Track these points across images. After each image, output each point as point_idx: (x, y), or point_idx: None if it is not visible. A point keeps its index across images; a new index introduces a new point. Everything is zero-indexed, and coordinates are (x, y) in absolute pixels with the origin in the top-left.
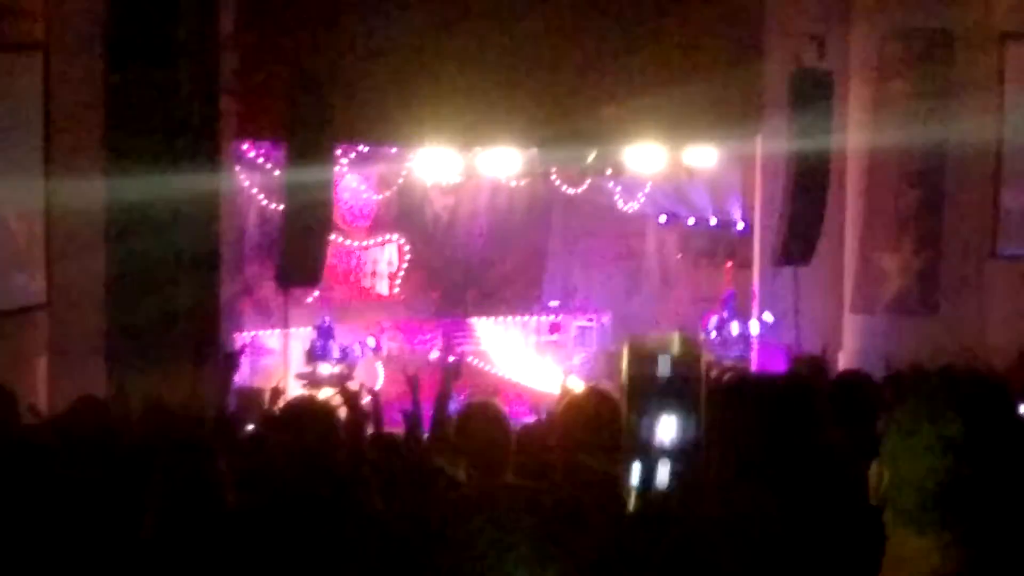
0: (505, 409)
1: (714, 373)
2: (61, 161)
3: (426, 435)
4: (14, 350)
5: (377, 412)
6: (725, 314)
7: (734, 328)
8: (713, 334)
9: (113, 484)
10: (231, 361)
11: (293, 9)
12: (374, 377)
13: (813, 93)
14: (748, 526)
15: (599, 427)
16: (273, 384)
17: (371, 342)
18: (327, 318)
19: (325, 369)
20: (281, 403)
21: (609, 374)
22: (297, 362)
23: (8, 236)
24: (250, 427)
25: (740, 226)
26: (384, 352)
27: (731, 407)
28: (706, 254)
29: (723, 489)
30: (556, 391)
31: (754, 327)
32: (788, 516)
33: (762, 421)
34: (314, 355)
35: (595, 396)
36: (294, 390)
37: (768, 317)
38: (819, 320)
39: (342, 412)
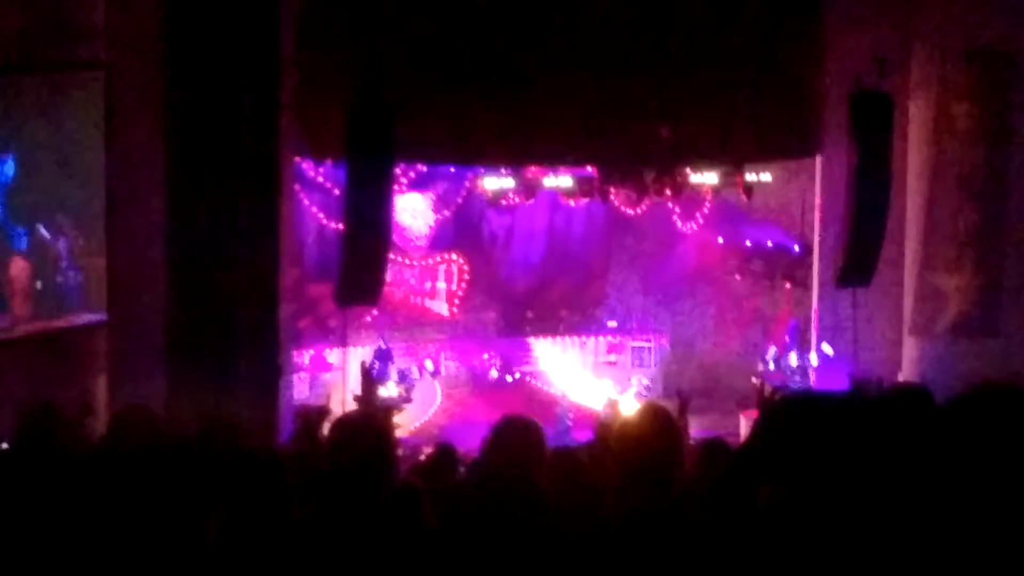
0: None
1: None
2: (122, 179)
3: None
4: (75, 367)
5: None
6: (787, 340)
7: (792, 359)
8: (772, 364)
9: (168, 494)
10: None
11: (354, 29)
12: (432, 398)
13: (874, 114)
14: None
15: (657, 442)
16: (326, 405)
17: (429, 365)
18: (385, 341)
19: (383, 392)
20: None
21: (668, 394)
22: (356, 379)
23: (70, 255)
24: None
25: (796, 248)
26: (443, 373)
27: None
28: (765, 275)
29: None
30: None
31: (813, 358)
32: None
33: (811, 434)
34: (373, 378)
35: (651, 412)
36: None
37: (827, 348)
38: (879, 342)
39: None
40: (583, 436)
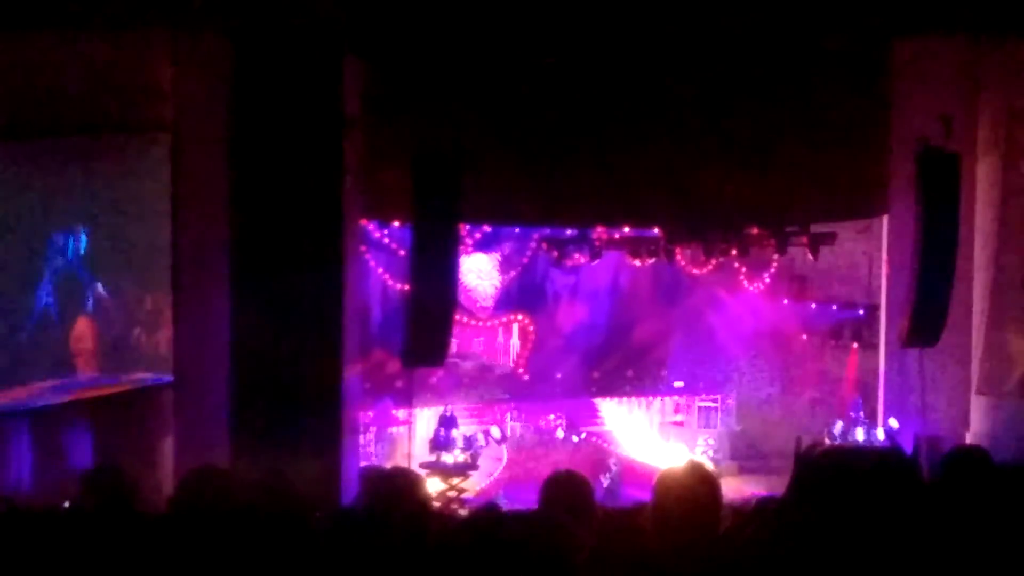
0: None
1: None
2: (187, 240)
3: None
4: (140, 429)
5: None
6: (854, 415)
7: (859, 434)
8: (838, 441)
9: (235, 554)
10: None
11: (418, 91)
12: (499, 461)
13: (940, 172)
14: None
15: (693, 500)
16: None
17: (495, 432)
18: (449, 408)
19: (448, 458)
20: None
21: (732, 454)
22: (423, 438)
23: (135, 314)
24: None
25: (860, 311)
26: (509, 437)
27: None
28: (832, 335)
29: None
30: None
31: (880, 433)
32: None
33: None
34: (437, 444)
35: (692, 470)
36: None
37: (894, 422)
38: (947, 403)
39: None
40: (638, 494)
